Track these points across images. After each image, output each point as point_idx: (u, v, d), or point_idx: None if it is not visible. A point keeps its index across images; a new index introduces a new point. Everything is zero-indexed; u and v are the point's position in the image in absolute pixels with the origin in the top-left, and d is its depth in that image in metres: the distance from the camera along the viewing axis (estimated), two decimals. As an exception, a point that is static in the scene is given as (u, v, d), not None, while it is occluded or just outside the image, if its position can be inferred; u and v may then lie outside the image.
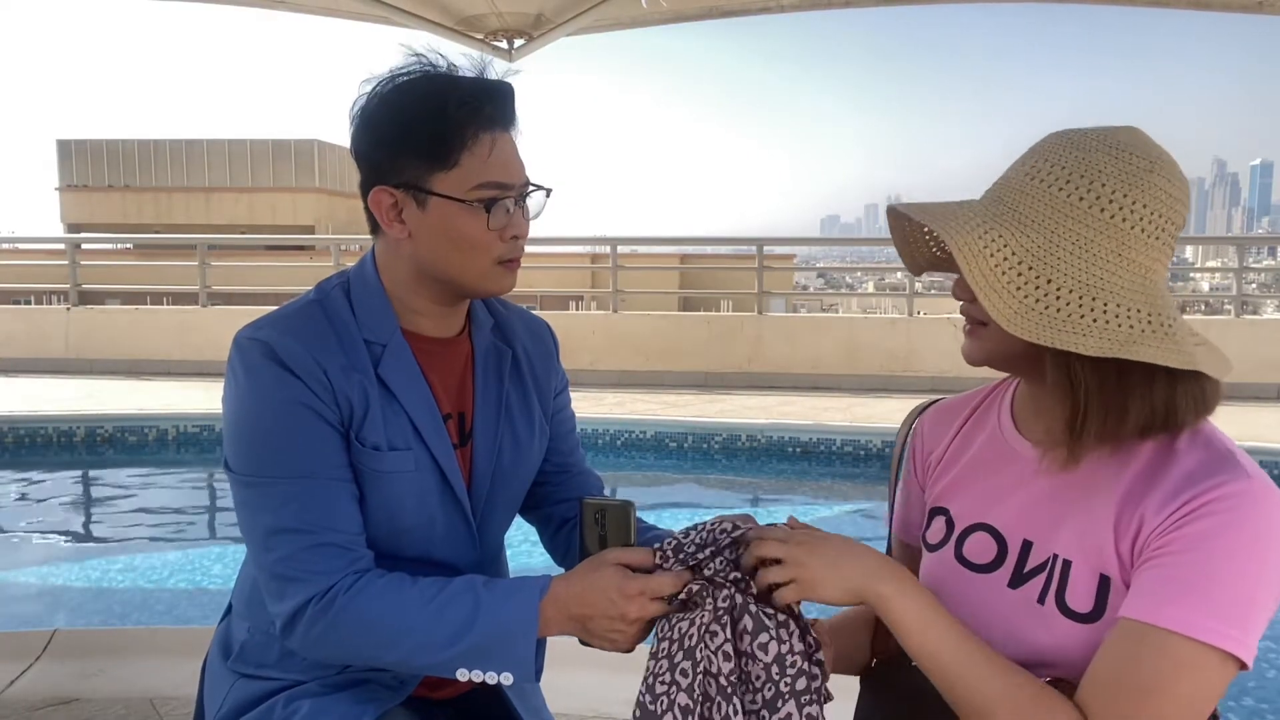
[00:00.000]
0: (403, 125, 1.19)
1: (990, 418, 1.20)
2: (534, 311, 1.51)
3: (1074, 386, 0.98)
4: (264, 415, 1.17)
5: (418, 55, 1.23)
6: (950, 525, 1.17)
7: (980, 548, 1.12)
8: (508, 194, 1.22)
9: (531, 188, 1.26)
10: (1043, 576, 1.05)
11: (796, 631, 1.05)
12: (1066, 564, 1.03)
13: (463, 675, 1.13)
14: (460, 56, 1.25)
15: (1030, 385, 1.13)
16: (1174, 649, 0.92)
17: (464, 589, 1.15)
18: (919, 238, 1.16)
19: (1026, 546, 1.09)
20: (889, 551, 1.31)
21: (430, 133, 1.18)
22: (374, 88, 1.21)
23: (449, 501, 1.28)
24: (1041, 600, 1.04)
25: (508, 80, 1.24)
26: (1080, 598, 1.02)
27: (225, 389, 1.21)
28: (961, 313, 1.09)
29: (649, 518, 1.38)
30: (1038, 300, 0.96)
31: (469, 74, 1.23)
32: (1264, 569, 0.93)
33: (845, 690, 1.25)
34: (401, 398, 1.23)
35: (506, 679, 1.13)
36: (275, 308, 1.27)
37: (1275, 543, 0.93)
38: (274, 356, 1.17)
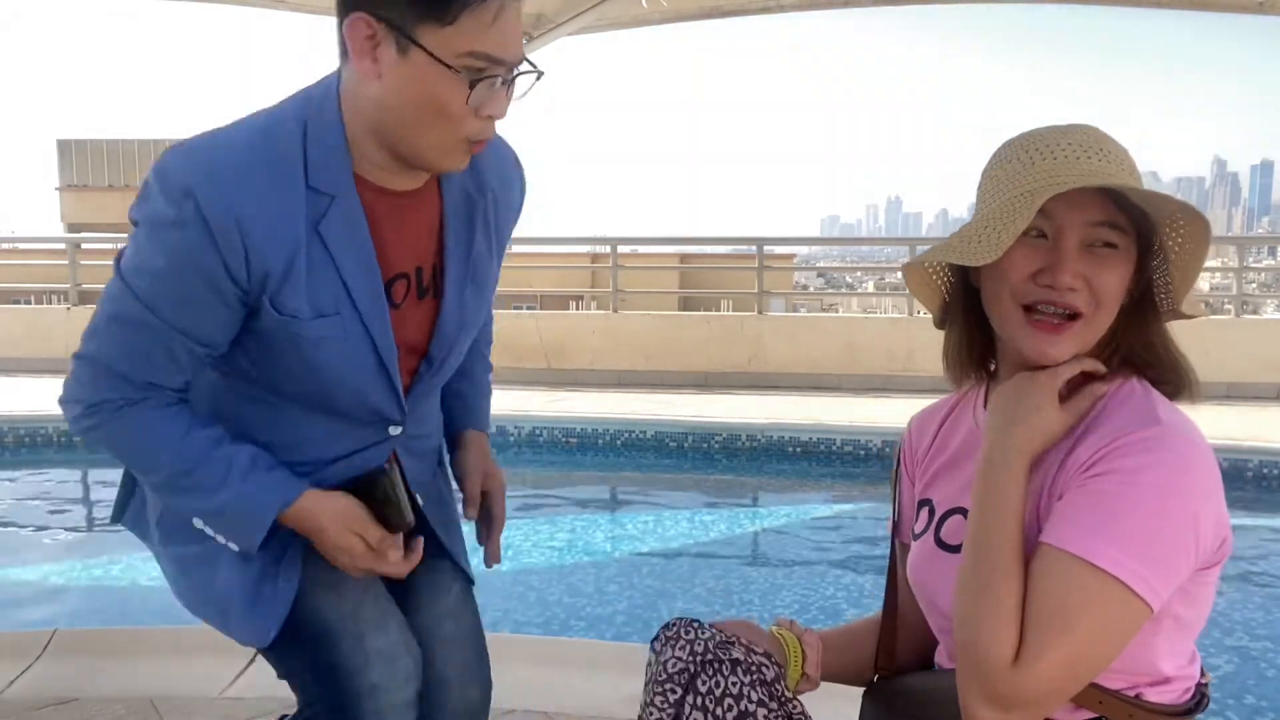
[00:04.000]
0: None
1: (966, 416, 1.25)
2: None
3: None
4: (163, 260, 1.13)
5: None
6: (932, 514, 1.22)
7: (954, 529, 1.17)
8: (498, 69, 1.11)
9: (525, 67, 1.15)
10: None
11: None
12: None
13: (198, 524, 1.25)
14: None
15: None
16: (1079, 575, 0.93)
17: (221, 468, 1.21)
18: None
19: None
20: (891, 556, 1.33)
21: None
22: None
23: (379, 371, 1.24)
24: None
25: None
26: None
27: (138, 205, 1.14)
28: (1064, 304, 1.04)
29: (649, 518, 1.38)
30: None
31: None
32: (1169, 505, 0.94)
33: (848, 699, 1.26)
34: (338, 259, 1.16)
35: (232, 546, 1.26)
36: None
37: (1182, 484, 0.94)
38: (196, 208, 1.09)
